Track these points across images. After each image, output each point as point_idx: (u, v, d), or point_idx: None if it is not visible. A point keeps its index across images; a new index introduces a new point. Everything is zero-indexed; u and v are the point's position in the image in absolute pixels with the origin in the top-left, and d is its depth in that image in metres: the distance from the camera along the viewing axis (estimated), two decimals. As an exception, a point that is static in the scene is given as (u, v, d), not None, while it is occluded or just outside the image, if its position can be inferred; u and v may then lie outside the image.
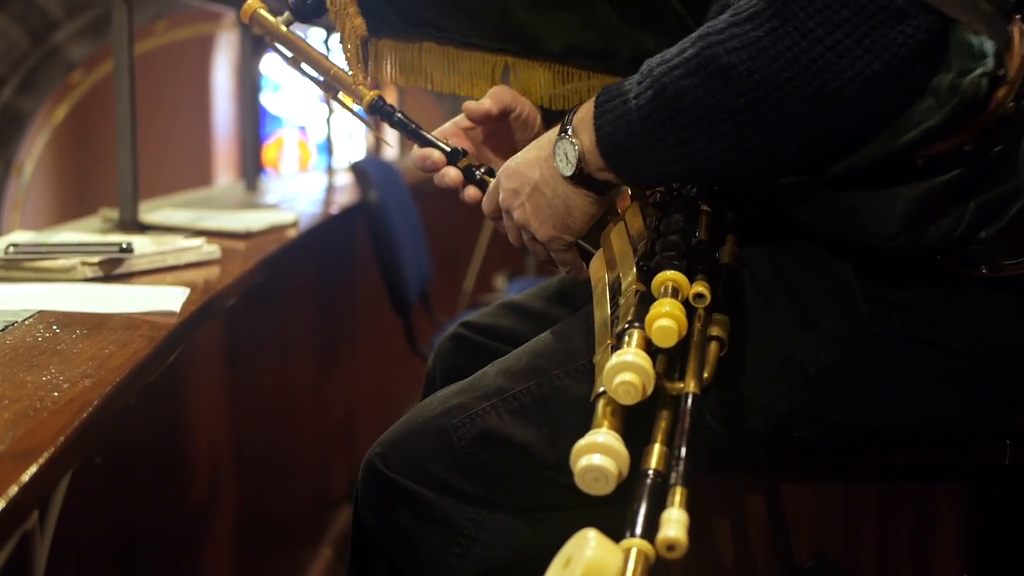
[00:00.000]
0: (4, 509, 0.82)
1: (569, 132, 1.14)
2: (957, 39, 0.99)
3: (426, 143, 1.39)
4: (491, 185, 1.28)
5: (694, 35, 1.04)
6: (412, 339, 3.18)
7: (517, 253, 5.12)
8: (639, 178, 1.17)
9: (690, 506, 0.81)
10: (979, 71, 0.98)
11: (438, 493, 1.20)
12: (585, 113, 1.13)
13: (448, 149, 1.37)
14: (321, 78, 1.44)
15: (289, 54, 1.44)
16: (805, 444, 1.22)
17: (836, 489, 1.29)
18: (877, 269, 1.14)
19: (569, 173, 1.15)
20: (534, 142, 1.23)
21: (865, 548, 1.29)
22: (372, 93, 1.42)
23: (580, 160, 1.13)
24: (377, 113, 1.42)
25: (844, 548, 1.28)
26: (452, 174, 1.36)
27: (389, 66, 1.43)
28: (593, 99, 1.13)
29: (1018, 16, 1.01)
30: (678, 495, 0.82)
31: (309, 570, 2.96)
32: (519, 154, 1.23)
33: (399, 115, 1.41)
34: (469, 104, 1.38)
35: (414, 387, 1.72)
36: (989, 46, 0.98)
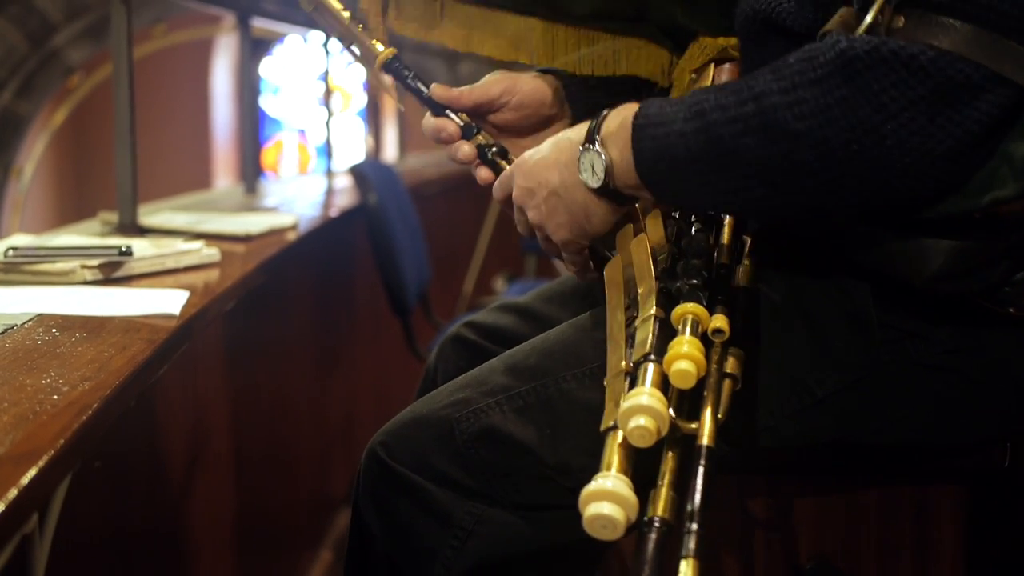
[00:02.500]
0: (3, 512, 0.81)
1: (597, 143, 1.11)
2: None
3: (439, 112, 1.36)
4: (504, 173, 1.27)
5: (755, 87, 1.00)
6: (411, 341, 3.18)
7: (516, 256, 5.12)
8: (678, 204, 1.15)
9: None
10: None
11: (438, 485, 1.20)
12: (617, 129, 1.10)
13: (462, 123, 1.35)
14: (339, 31, 1.40)
15: (311, 3, 1.38)
16: (808, 458, 1.22)
17: (836, 491, 1.29)
18: (895, 296, 1.13)
19: (596, 185, 1.12)
20: (552, 140, 1.20)
21: (865, 550, 1.29)
22: (387, 52, 1.38)
23: (608, 174, 1.11)
24: (391, 73, 1.38)
25: (844, 550, 1.28)
26: (466, 149, 1.34)
27: (409, 22, 1.39)
28: (627, 116, 1.10)
29: None
30: (691, 570, 0.81)
31: (308, 573, 2.96)
32: (535, 151, 1.21)
33: (413, 79, 1.37)
34: (461, 92, 1.36)
35: (413, 390, 1.72)
36: None
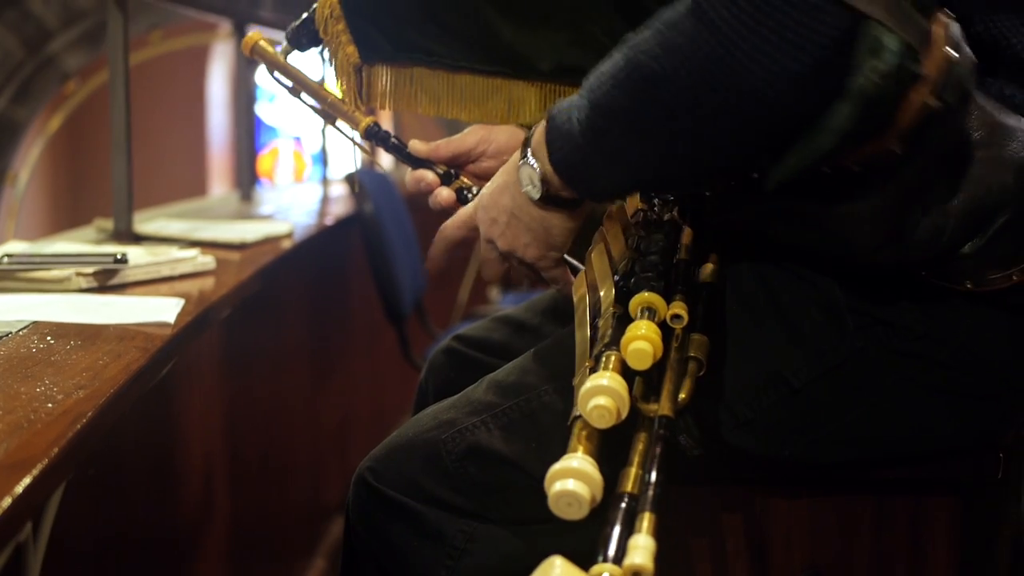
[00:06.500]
0: (-2, 521, 0.82)
1: (529, 155, 1.13)
2: (866, 35, 0.96)
3: (420, 165, 1.41)
4: (460, 212, 1.29)
5: (626, 44, 1.04)
6: (406, 350, 3.18)
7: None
8: (592, 193, 1.16)
9: (659, 531, 0.81)
10: (880, 69, 0.95)
11: (428, 506, 1.20)
12: (540, 134, 1.13)
13: (441, 172, 1.40)
14: (319, 106, 1.47)
15: (289, 83, 1.47)
16: (796, 462, 1.22)
17: (829, 501, 1.29)
18: (862, 283, 1.14)
19: (537, 196, 1.14)
20: (501, 168, 1.23)
21: (858, 561, 1.29)
22: (367, 119, 1.44)
23: (544, 182, 1.13)
24: (372, 139, 1.44)
25: (837, 561, 1.28)
26: (444, 195, 1.39)
27: (382, 92, 1.44)
28: (545, 120, 1.12)
29: (940, 12, 0.99)
30: (646, 521, 0.82)
31: (302, 581, 2.96)
32: (490, 183, 1.24)
33: (394, 140, 1.43)
34: (438, 145, 1.41)
35: (408, 398, 1.72)
36: (893, 41, 0.96)
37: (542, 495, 1.15)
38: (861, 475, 1.27)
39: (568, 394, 1.17)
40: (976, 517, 1.29)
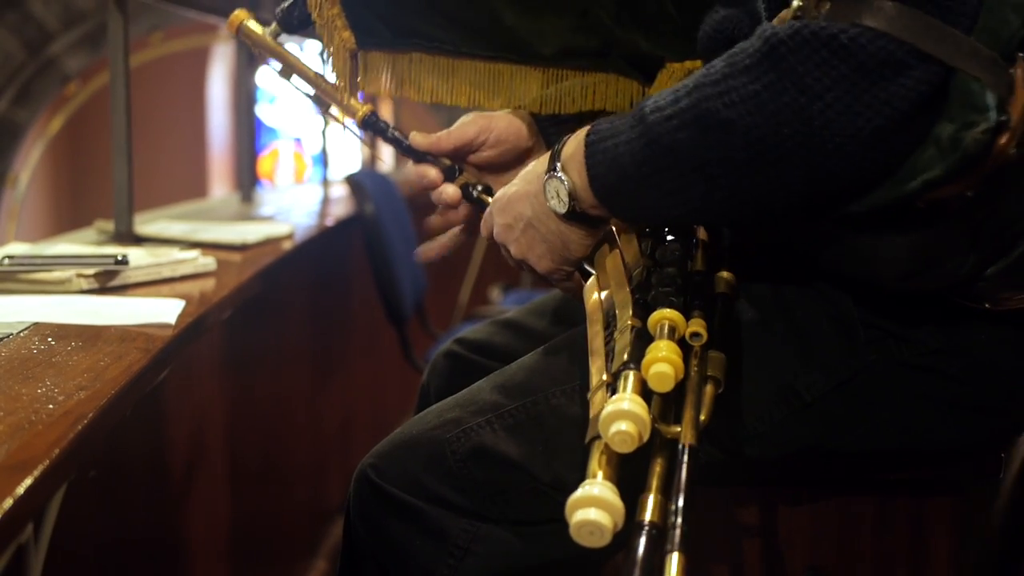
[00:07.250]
0: (-1, 522, 0.82)
1: (558, 169, 1.12)
2: (958, 87, 0.96)
3: (420, 159, 1.37)
4: (487, 211, 1.28)
5: (689, 83, 1.02)
6: (407, 351, 3.18)
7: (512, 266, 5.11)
8: (634, 218, 1.15)
9: (688, 571, 0.81)
10: (983, 127, 0.95)
11: (431, 505, 1.20)
12: (574, 150, 1.11)
13: (444, 166, 1.36)
14: (312, 92, 1.42)
15: (279, 66, 1.42)
16: (802, 467, 1.22)
17: (830, 502, 1.29)
18: (877, 298, 1.13)
19: (563, 211, 1.13)
20: (522, 173, 1.21)
21: (860, 561, 1.29)
22: (365, 108, 1.40)
23: (572, 198, 1.11)
24: (370, 128, 1.39)
25: (838, 561, 1.28)
26: (450, 191, 1.35)
27: (379, 79, 1.40)
28: (581, 136, 1.11)
29: (1022, 57, 0.98)
30: (675, 563, 0.81)
31: (304, 582, 2.96)
32: (509, 186, 1.22)
33: (393, 131, 1.39)
34: (439, 137, 1.37)
35: (409, 399, 1.72)
36: (991, 97, 0.96)
37: (546, 497, 1.15)
38: (863, 476, 1.27)
39: (576, 398, 1.17)
40: (977, 517, 1.29)
